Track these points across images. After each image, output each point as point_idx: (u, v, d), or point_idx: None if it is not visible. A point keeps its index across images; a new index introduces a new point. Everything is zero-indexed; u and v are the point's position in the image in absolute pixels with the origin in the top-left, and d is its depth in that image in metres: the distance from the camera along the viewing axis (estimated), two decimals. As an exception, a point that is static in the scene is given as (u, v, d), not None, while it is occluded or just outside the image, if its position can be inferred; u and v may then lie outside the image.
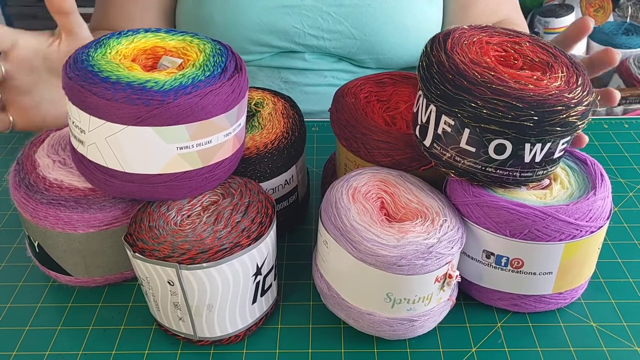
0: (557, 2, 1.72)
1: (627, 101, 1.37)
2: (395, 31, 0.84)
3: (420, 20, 0.86)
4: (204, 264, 0.48)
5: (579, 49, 1.68)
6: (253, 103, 0.66)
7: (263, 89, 0.70)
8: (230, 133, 0.52)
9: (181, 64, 0.53)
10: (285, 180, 0.62)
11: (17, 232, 0.66)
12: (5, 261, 0.62)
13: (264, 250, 0.51)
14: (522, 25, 0.97)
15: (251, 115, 0.65)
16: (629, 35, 1.66)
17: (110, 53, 0.52)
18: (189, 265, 0.48)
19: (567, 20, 1.66)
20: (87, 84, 0.48)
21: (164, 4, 0.89)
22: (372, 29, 0.84)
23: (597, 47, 1.68)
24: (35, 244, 0.56)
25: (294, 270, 0.61)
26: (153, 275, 0.50)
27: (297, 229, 0.66)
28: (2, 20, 1.88)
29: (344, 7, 0.83)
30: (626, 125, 0.84)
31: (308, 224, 0.67)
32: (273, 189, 0.61)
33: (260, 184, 0.59)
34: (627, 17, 1.72)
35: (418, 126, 0.54)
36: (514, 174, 0.51)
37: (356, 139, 0.59)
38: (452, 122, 0.50)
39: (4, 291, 0.59)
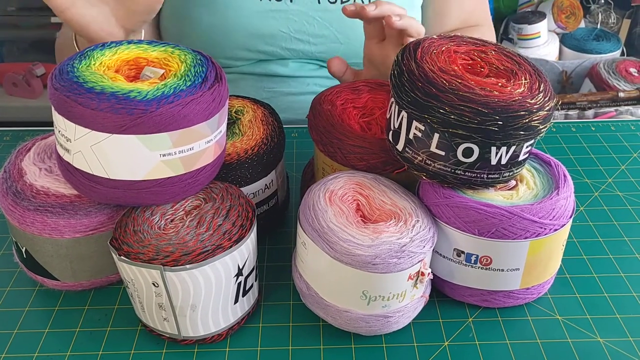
0: (529, 10, 1.77)
1: (598, 105, 1.42)
2: None
3: None
4: (187, 266, 0.50)
5: (551, 54, 1.73)
6: (234, 111, 0.69)
7: (244, 97, 0.72)
8: (212, 140, 0.54)
9: (163, 74, 0.55)
10: (265, 184, 0.64)
11: (3, 239, 0.67)
12: (-8, 267, 0.64)
13: (245, 252, 0.53)
14: (489, 34, 1.00)
15: (232, 122, 0.68)
16: (600, 41, 1.71)
17: (94, 64, 0.54)
18: (172, 267, 0.50)
19: (540, 26, 1.70)
20: (72, 94, 0.50)
21: None
22: (357, 34, 0.86)
23: (569, 52, 1.73)
24: (23, 250, 0.58)
25: (275, 271, 0.64)
26: (138, 278, 0.52)
27: (277, 231, 0.69)
28: (-18, 30, 1.88)
29: (330, 12, 0.86)
30: (593, 128, 0.88)
31: (288, 226, 0.70)
32: (254, 193, 0.63)
33: (241, 188, 0.61)
34: (597, 23, 1.77)
35: (391, 131, 0.57)
36: (482, 175, 0.54)
37: (332, 144, 0.62)
38: (423, 128, 0.53)
39: (-8, 296, 0.61)
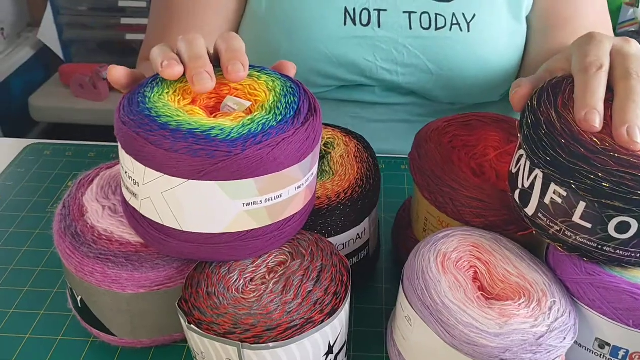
0: (633, 29, 1.61)
1: None
2: (476, 65, 0.76)
3: (503, 53, 0.77)
4: (271, 344, 0.41)
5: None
6: (322, 143, 0.59)
7: (333, 126, 0.63)
8: (303, 185, 0.45)
9: (249, 107, 0.46)
10: (358, 234, 0.55)
11: (59, 273, 0.60)
12: (44, 309, 0.56)
13: (338, 326, 0.44)
14: None
15: (320, 157, 0.58)
16: None
17: (167, 92, 0.46)
18: (252, 345, 0.41)
19: None
20: (143, 131, 0.41)
21: (229, 27, 0.82)
22: (451, 63, 0.76)
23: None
24: (78, 299, 0.50)
25: (364, 339, 0.54)
26: (210, 351, 0.43)
27: (366, 286, 0.59)
28: (54, 29, 1.86)
29: (422, 39, 0.75)
30: None
31: (378, 282, 0.60)
32: (343, 244, 0.54)
33: (329, 239, 0.52)
34: None
35: (518, 190, 0.47)
36: (638, 255, 0.43)
37: (443, 194, 0.52)
38: (564, 193, 0.42)
39: (42, 345, 0.53)
